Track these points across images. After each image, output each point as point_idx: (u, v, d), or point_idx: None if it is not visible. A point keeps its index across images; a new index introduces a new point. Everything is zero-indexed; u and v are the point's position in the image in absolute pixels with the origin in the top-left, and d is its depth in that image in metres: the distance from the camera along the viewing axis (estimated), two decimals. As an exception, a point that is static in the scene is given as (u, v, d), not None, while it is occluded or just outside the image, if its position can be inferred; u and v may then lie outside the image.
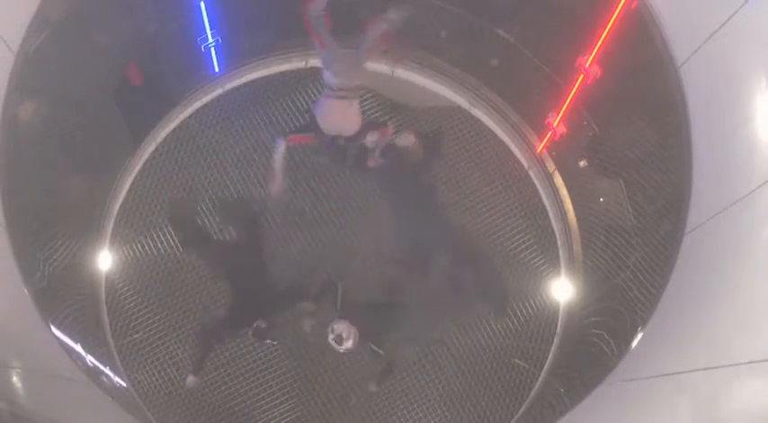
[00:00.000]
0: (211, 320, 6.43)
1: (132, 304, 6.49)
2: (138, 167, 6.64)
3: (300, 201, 6.69)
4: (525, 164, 6.94)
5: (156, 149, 6.69)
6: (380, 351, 6.13)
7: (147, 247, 6.54)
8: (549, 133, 6.56)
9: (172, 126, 6.72)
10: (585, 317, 6.25)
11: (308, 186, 6.74)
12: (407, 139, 6.67)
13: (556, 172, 6.83)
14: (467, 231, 6.78)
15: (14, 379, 3.82)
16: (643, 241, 5.64)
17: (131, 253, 6.54)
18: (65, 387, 4.48)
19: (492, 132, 6.93)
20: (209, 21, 6.02)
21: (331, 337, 5.74)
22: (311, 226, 6.67)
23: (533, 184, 6.91)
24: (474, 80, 6.90)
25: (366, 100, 6.85)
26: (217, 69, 6.66)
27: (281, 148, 6.09)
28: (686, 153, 4.15)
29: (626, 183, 5.99)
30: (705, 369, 3.26)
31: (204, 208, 6.64)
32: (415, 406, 6.51)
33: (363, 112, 6.61)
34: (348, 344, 5.71)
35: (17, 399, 3.75)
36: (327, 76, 5.68)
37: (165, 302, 6.52)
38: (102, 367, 5.80)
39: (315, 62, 6.83)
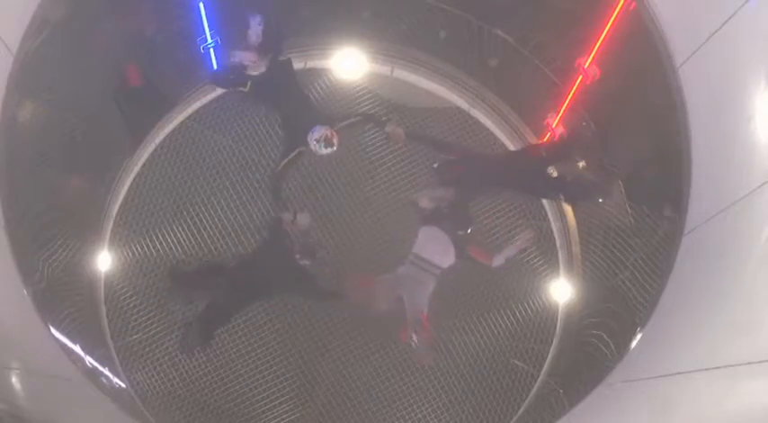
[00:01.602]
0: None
1: (131, 305, 6.48)
2: (137, 168, 6.62)
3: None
4: (525, 164, 6.93)
5: (156, 150, 6.67)
6: None
7: (146, 248, 6.53)
8: (549, 134, 6.57)
9: (171, 126, 6.70)
10: (585, 317, 6.25)
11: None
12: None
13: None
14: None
15: (14, 380, 3.81)
16: (642, 242, 5.66)
17: (130, 253, 6.53)
18: (64, 388, 4.48)
19: (491, 133, 6.91)
20: (208, 21, 6.02)
21: (315, 143, 5.87)
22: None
23: (532, 185, 6.90)
24: (473, 81, 6.89)
25: (366, 100, 6.85)
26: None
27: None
28: (686, 153, 4.15)
29: (625, 183, 5.99)
30: (705, 369, 3.25)
31: (203, 208, 6.63)
32: (415, 406, 6.50)
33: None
34: (335, 140, 5.90)
35: (17, 399, 3.75)
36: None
37: (165, 303, 6.48)
38: (101, 368, 5.79)
39: (314, 63, 6.83)
